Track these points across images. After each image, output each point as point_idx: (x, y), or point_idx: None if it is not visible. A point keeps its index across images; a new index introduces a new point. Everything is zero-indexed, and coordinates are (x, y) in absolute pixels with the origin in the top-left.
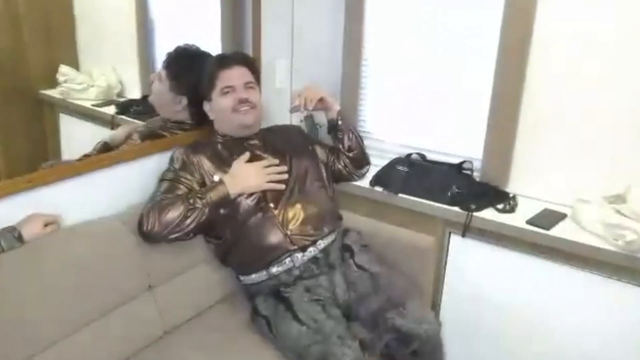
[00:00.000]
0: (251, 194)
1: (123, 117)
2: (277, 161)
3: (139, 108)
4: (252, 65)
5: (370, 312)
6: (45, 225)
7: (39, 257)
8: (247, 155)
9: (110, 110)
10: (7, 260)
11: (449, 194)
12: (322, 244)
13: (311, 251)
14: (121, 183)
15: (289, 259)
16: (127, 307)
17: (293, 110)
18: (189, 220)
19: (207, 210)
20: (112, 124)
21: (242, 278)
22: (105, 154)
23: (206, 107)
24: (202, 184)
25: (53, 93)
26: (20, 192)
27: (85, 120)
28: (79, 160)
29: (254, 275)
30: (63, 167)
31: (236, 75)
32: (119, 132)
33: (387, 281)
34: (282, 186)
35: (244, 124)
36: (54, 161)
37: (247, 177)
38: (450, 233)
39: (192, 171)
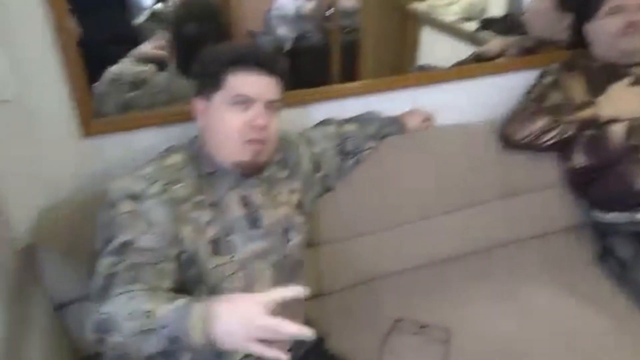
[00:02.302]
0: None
1: (484, 33)
2: None
3: (501, 26)
4: None
5: None
6: (423, 121)
7: (414, 147)
8: (626, 80)
9: (472, 26)
10: (391, 144)
11: None
12: None
13: None
14: (489, 93)
15: None
16: (478, 208)
17: None
18: (549, 135)
19: (571, 128)
20: (472, 39)
21: (596, 214)
22: (477, 64)
23: (586, 27)
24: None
25: (420, 7)
26: (399, 89)
27: (446, 34)
28: (453, 67)
29: (610, 215)
30: (437, 72)
31: None
32: (493, 45)
33: None
34: None
35: (627, 50)
36: (424, 66)
37: None
38: None
39: (561, 91)
